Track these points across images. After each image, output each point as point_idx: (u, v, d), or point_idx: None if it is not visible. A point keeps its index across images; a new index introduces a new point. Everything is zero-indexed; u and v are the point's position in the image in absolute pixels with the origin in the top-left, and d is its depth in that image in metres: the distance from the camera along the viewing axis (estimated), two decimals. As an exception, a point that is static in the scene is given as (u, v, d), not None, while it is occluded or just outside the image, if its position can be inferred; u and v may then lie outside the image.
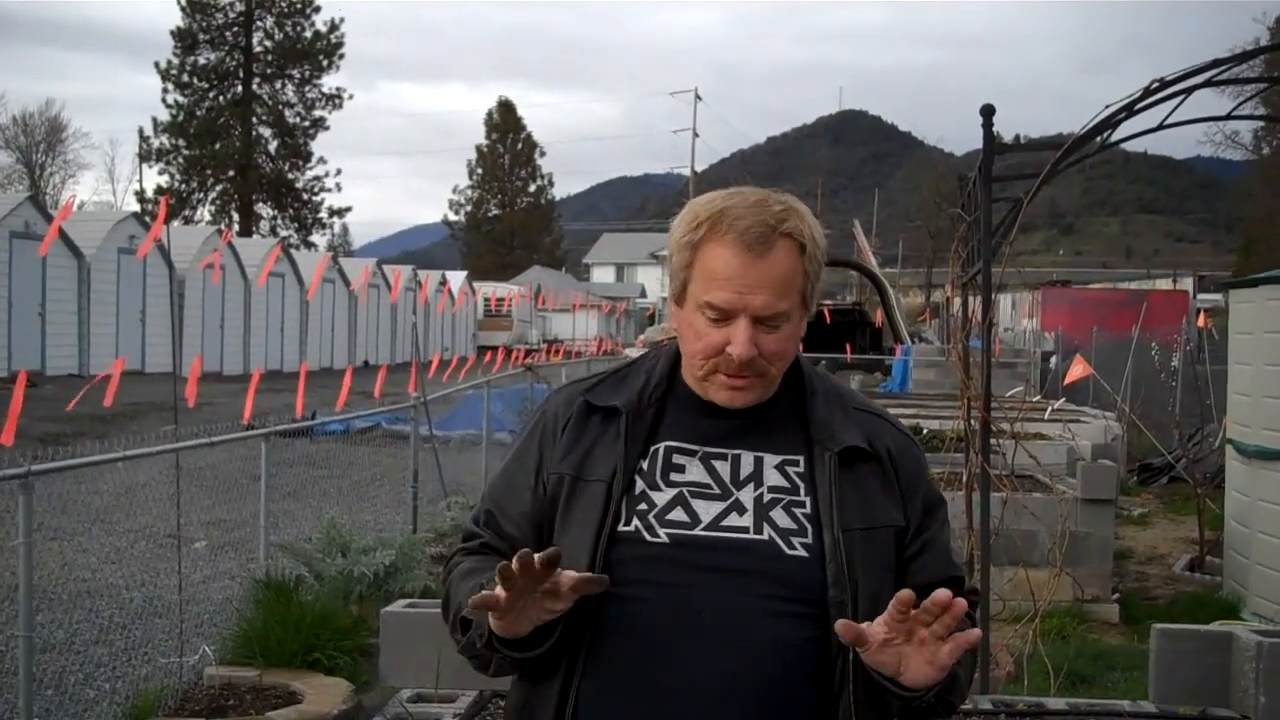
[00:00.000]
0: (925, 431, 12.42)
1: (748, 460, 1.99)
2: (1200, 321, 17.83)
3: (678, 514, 1.93)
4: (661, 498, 1.95)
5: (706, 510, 1.94)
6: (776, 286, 1.91)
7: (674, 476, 1.97)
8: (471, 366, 19.22)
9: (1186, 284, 53.77)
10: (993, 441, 6.45)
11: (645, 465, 1.98)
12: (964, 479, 7.29)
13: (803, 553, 1.92)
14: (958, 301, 7.45)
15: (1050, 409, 14.11)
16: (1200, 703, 4.80)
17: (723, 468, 1.98)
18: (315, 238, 63.10)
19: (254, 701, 6.08)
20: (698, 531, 1.92)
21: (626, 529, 1.92)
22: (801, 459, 2.00)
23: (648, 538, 1.92)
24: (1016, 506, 6.88)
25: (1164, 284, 53.48)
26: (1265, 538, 8.50)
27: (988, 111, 5.92)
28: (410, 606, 4.83)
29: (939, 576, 2.05)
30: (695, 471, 1.98)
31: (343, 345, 36.77)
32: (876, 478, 2.03)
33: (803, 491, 1.97)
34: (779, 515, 1.94)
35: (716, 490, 1.96)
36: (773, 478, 1.98)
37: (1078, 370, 15.09)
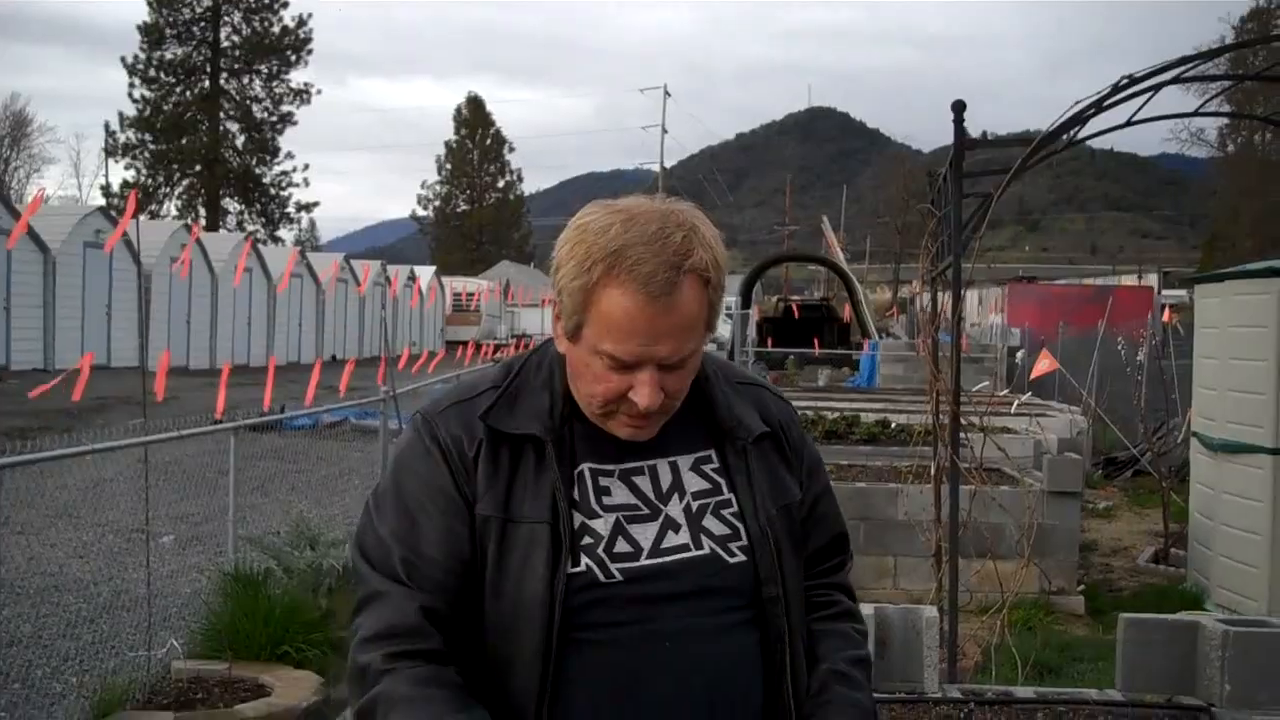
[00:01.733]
0: (894, 425, 12.50)
1: (664, 470, 1.91)
2: (1165, 317, 17.98)
3: (621, 545, 1.83)
4: (602, 526, 1.84)
5: (644, 535, 1.85)
6: (682, 332, 1.77)
7: (605, 501, 1.86)
8: (441, 360, 19.19)
9: (1151, 280, 54.16)
10: (961, 435, 6.49)
11: (576, 494, 1.85)
12: (932, 472, 7.34)
13: (742, 558, 1.88)
14: (927, 296, 7.48)
15: (1017, 403, 14.21)
16: (1166, 691, 4.85)
17: (643, 483, 1.89)
18: (282, 233, 62.93)
19: (222, 694, 6.06)
20: (643, 562, 1.83)
21: (578, 570, 1.80)
22: (713, 453, 1.95)
23: (601, 578, 1.80)
24: (984, 499, 6.93)
25: (1129, 280, 53.87)
26: (1229, 530, 8.58)
27: (959, 107, 5.97)
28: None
29: (829, 538, 2.10)
30: (620, 493, 1.88)
31: (310, 340, 36.61)
32: (776, 453, 2.00)
33: (725, 488, 1.92)
34: (711, 523, 1.89)
35: (646, 511, 1.87)
36: (693, 482, 1.92)
37: (1044, 365, 15.18)
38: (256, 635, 6.53)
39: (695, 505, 1.90)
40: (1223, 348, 8.95)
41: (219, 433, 8.17)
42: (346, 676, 1.84)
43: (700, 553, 1.86)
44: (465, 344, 22.35)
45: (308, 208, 64.67)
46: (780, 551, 1.90)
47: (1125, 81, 5.66)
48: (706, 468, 1.94)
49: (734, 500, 1.91)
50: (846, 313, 36.04)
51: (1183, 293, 39.05)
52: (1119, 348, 16.55)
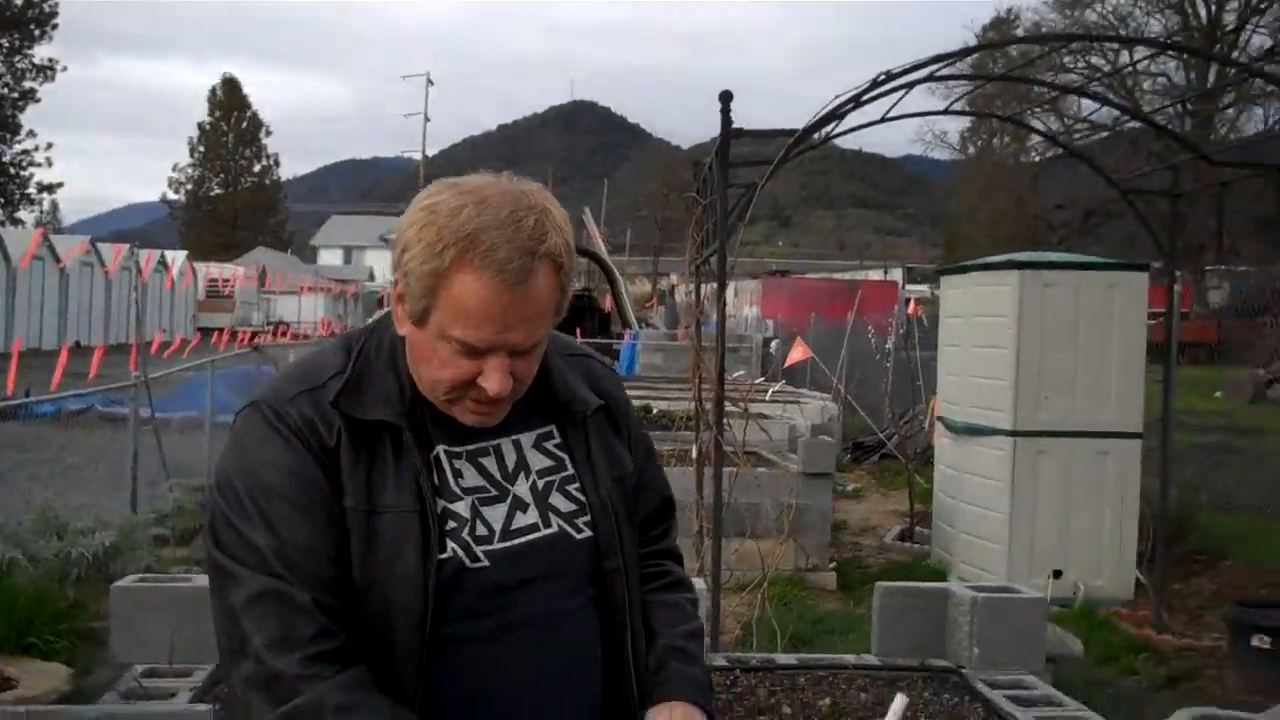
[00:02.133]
0: (655, 411, 12.73)
1: (509, 449, 1.88)
2: (910, 309, 18.78)
3: (480, 529, 1.79)
4: (463, 509, 1.79)
5: (494, 517, 1.81)
6: (536, 318, 1.73)
7: (460, 483, 1.82)
8: (196, 346, 18.58)
9: (896, 275, 56.52)
10: (723, 419, 6.68)
11: (436, 478, 1.80)
12: (694, 455, 7.53)
13: (588, 533, 1.88)
14: (690, 285, 7.66)
15: (771, 390, 14.65)
16: (918, 655, 5.12)
17: (490, 464, 1.86)
18: (22, 214, 59.73)
19: (-37, 689, 5.76)
20: (496, 545, 1.79)
21: (445, 556, 1.75)
22: (554, 428, 1.94)
23: (468, 563, 1.76)
24: (744, 481, 7.15)
25: (875, 275, 56.06)
26: (970, 508, 9.05)
27: (726, 97, 6.16)
28: (142, 581, 4.68)
29: (657, 502, 2.12)
30: (470, 475, 1.83)
31: (52, 325, 34.83)
32: (609, 424, 2.01)
33: (568, 464, 1.92)
34: (558, 500, 1.88)
35: (494, 492, 1.84)
36: (537, 460, 1.90)
37: (798, 353, 15.71)
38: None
39: (541, 483, 1.88)
40: (966, 336, 9.42)
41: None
42: (247, 685, 1.68)
43: (549, 531, 1.85)
44: (220, 330, 21.72)
45: (50, 189, 61.70)
46: (619, 523, 1.91)
47: (883, 77, 5.94)
48: (549, 444, 1.92)
49: (577, 475, 1.91)
50: (607, 303, 36.39)
51: (925, 287, 40.85)
52: (869, 338, 17.27)
